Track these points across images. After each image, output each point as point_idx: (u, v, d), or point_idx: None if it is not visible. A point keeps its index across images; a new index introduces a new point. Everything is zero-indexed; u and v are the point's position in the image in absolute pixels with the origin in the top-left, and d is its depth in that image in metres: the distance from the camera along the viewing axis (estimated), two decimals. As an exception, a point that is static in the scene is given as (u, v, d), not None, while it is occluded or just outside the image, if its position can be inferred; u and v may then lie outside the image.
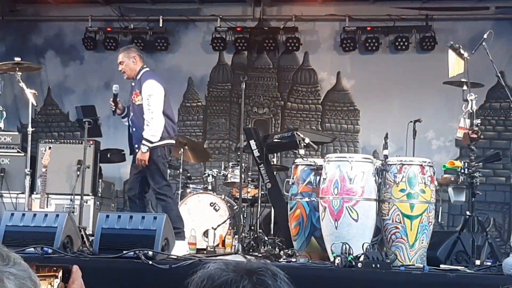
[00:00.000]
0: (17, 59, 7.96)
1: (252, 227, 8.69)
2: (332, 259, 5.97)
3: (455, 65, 6.71)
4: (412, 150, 8.74)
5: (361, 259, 5.58)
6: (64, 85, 12.16)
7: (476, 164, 6.42)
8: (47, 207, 8.75)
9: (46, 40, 12.26)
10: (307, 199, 6.83)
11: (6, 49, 12.12)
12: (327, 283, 5.52)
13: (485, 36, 6.57)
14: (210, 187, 9.36)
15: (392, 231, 6.25)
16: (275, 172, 8.18)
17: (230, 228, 8.56)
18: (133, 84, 7.51)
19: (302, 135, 7.21)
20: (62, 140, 10.10)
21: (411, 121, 8.95)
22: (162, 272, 5.44)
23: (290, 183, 7.05)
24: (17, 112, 11.45)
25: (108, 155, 10.16)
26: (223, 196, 9.18)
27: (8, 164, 9.67)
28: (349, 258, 5.61)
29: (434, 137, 11.05)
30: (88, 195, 9.27)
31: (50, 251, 5.77)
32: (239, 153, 8.47)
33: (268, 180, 7.70)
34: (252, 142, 7.75)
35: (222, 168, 9.55)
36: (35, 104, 8.28)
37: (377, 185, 6.32)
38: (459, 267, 5.87)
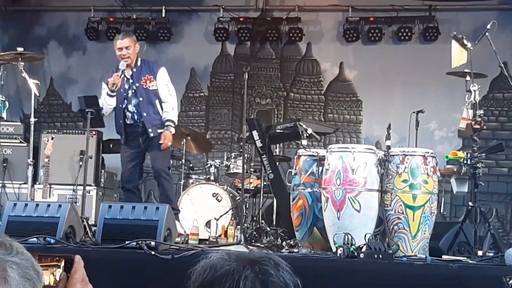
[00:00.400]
0: (20, 49, 7.97)
1: (255, 218, 8.69)
2: (334, 249, 5.98)
3: (458, 56, 6.70)
4: (415, 140, 8.73)
5: (364, 249, 5.59)
6: (67, 76, 12.16)
7: (479, 155, 6.42)
8: (49, 197, 8.76)
9: (48, 31, 12.25)
10: (309, 189, 6.84)
11: (9, 39, 12.12)
12: (329, 273, 5.52)
13: (488, 26, 6.57)
14: (212, 178, 9.36)
15: (394, 221, 6.25)
16: (277, 163, 8.19)
17: (233, 218, 8.56)
18: (134, 70, 7.64)
19: (304, 126, 7.21)
20: (65, 131, 10.14)
21: (413, 112, 8.93)
22: (165, 262, 5.45)
23: (292, 173, 7.06)
24: (20, 102, 11.44)
25: (111, 145, 10.15)
26: (225, 187, 9.18)
27: (10, 154, 9.68)
28: (352, 249, 5.62)
29: (437, 127, 11.04)
30: (90, 185, 9.28)
31: (52, 241, 5.79)
32: (241, 143, 8.46)
33: (270, 171, 7.71)
34: (255, 133, 7.74)
35: (225, 159, 9.56)
36: (38, 95, 8.28)
37: (379, 176, 6.32)
38: (461, 258, 5.88)
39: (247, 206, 8.96)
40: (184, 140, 9.35)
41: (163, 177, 7.63)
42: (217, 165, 9.54)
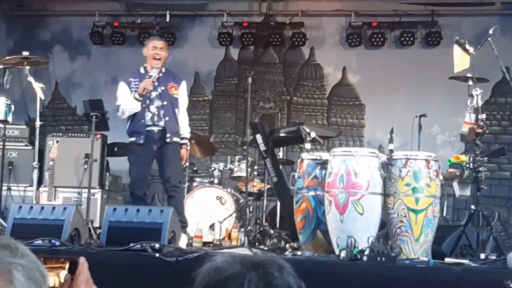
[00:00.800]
0: (25, 53, 8.00)
1: (258, 221, 8.72)
2: (337, 252, 6.00)
3: (461, 60, 6.73)
4: (418, 144, 8.76)
5: (366, 252, 5.60)
6: (72, 80, 12.20)
7: (481, 159, 6.44)
8: (54, 200, 8.80)
9: (53, 35, 12.29)
10: (312, 193, 6.84)
11: (14, 43, 12.16)
12: (333, 276, 5.54)
13: (490, 31, 6.59)
14: (216, 181, 9.39)
15: (397, 225, 6.27)
16: (281, 166, 8.20)
17: (236, 221, 8.59)
18: (160, 74, 7.49)
19: (308, 130, 7.23)
20: (70, 134, 10.17)
21: (416, 116, 8.96)
22: (169, 264, 5.47)
23: (296, 177, 7.06)
24: (25, 106, 11.48)
25: (115, 149, 10.19)
26: (229, 190, 9.21)
27: (16, 157, 9.73)
28: (355, 252, 5.64)
29: (439, 131, 11.06)
30: (95, 188, 9.31)
31: (57, 243, 5.81)
32: (245, 147, 8.51)
33: (274, 174, 7.73)
34: (258, 137, 7.77)
35: (229, 162, 9.58)
36: (43, 98, 8.32)
37: (382, 179, 6.34)
38: (464, 261, 5.88)
39: (251, 209, 8.98)
40: (188, 143, 9.38)
41: (175, 191, 7.43)
42: (221, 169, 9.57)
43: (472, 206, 6.41)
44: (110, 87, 11.73)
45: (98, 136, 9.34)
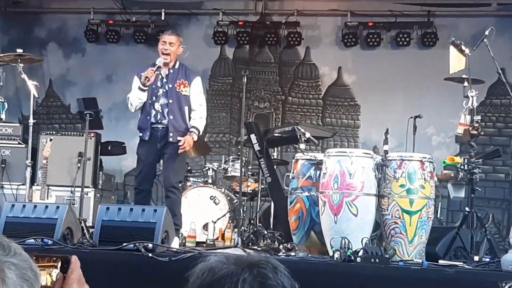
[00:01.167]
0: (19, 50, 7.99)
1: (252, 221, 8.70)
2: (331, 253, 6.00)
3: (456, 62, 6.72)
4: (412, 145, 8.75)
5: (360, 254, 5.60)
6: (66, 77, 12.16)
7: (476, 161, 6.43)
8: (47, 198, 8.77)
9: (48, 32, 12.25)
10: (307, 193, 6.84)
11: (9, 40, 12.12)
12: (326, 277, 5.54)
13: (486, 32, 6.59)
14: (210, 181, 9.37)
15: (391, 226, 6.27)
16: (275, 166, 8.20)
17: (230, 221, 8.58)
18: (171, 71, 7.39)
19: (302, 130, 7.23)
20: (63, 132, 10.13)
21: (411, 117, 8.95)
22: (162, 264, 5.46)
23: (290, 177, 7.06)
24: (19, 103, 11.45)
25: (109, 148, 10.17)
26: (223, 190, 9.20)
27: (9, 155, 9.67)
28: (348, 253, 5.64)
29: (435, 133, 11.06)
30: (88, 187, 9.27)
31: (50, 242, 5.80)
32: (239, 147, 8.49)
33: (268, 174, 7.72)
34: (253, 136, 7.76)
35: (223, 162, 9.56)
36: (37, 96, 8.31)
37: (377, 180, 6.34)
38: (457, 263, 5.89)
39: (245, 209, 8.96)
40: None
41: (172, 191, 7.27)
42: (215, 168, 9.54)
43: (467, 208, 6.41)
44: (104, 85, 11.76)
45: (92, 134, 9.30)
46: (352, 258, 5.59)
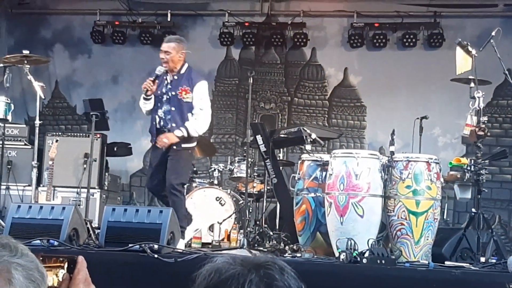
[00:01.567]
0: (26, 52, 7.99)
1: (258, 222, 8.70)
2: (337, 254, 5.99)
3: (463, 62, 6.71)
4: (419, 146, 8.73)
5: (366, 255, 5.59)
6: (72, 79, 12.18)
7: (482, 162, 6.42)
8: (53, 199, 8.79)
9: (54, 34, 12.27)
10: (313, 194, 6.84)
11: (15, 42, 12.14)
12: (332, 278, 5.53)
13: (493, 33, 6.57)
14: (216, 182, 9.37)
15: (397, 227, 6.26)
16: (281, 167, 8.19)
17: (236, 222, 8.57)
18: (175, 77, 7.28)
19: (308, 131, 7.23)
20: (69, 133, 10.16)
21: (417, 118, 8.94)
22: (168, 265, 5.46)
23: (296, 178, 7.06)
24: (25, 105, 11.47)
25: (115, 149, 10.18)
26: (229, 191, 9.19)
27: (15, 156, 9.71)
28: (354, 254, 5.63)
29: (441, 134, 11.03)
30: (94, 188, 9.29)
31: (56, 243, 5.80)
32: (245, 148, 8.48)
33: (274, 175, 7.72)
34: (259, 137, 7.76)
35: (228, 163, 9.56)
36: (43, 97, 8.32)
37: (383, 181, 6.33)
38: (464, 264, 5.88)
39: (250, 210, 8.97)
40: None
41: (172, 193, 7.16)
42: (221, 169, 9.54)
43: (473, 209, 6.39)
44: (110, 86, 11.77)
45: (98, 135, 9.32)
46: (358, 259, 5.58)
